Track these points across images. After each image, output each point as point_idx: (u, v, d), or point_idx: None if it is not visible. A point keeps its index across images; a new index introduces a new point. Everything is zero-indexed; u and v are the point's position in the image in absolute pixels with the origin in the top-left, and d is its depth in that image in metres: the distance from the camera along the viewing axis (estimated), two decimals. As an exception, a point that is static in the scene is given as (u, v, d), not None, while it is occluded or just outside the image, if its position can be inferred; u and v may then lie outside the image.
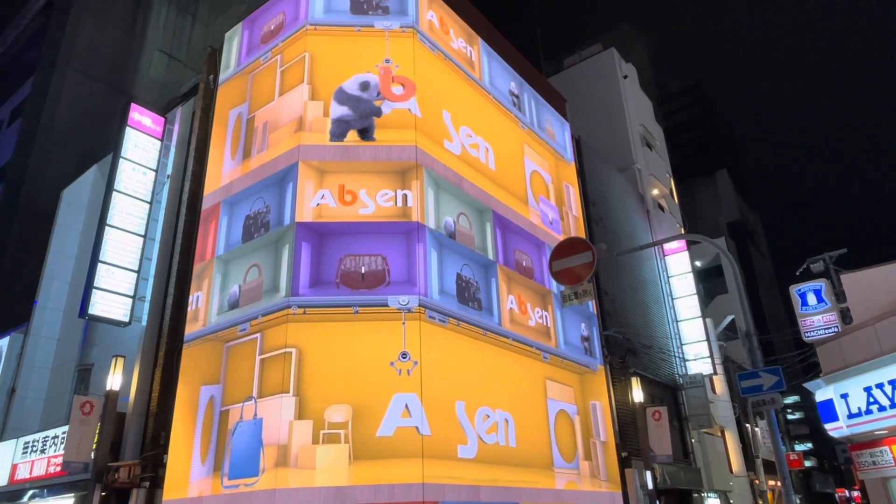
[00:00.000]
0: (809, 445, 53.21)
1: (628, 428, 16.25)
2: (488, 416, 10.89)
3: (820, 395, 13.69)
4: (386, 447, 9.17)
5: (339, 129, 11.37)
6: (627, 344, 17.66)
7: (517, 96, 16.08)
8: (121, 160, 13.23)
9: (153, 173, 13.71)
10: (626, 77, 27.60)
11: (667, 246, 22.89)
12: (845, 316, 17.82)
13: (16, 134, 26.87)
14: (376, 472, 9.03)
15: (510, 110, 15.41)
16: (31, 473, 12.71)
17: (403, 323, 9.96)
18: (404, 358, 9.73)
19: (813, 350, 19.77)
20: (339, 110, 11.51)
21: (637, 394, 16.17)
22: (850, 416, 12.79)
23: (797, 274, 22.68)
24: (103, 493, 10.70)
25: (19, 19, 31.86)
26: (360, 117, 11.50)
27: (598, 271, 9.77)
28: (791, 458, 32.20)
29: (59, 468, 11.73)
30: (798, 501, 34.44)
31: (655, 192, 25.88)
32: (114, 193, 12.89)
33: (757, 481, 25.10)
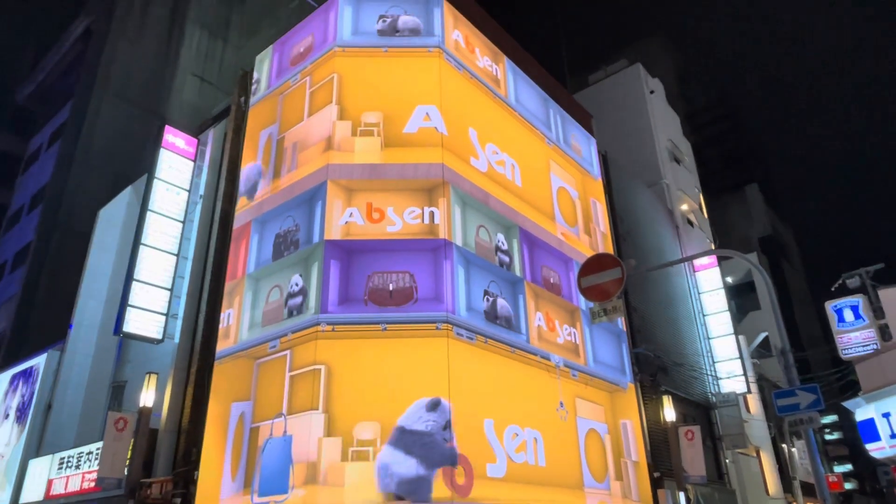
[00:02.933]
0: (849, 467, 51.50)
1: (660, 448, 15.93)
2: (517, 435, 10.79)
3: (860, 415, 13.29)
4: (414, 465, 9.12)
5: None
6: (658, 362, 17.37)
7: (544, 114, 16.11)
8: (155, 180, 13.57)
9: (186, 193, 14.03)
10: (652, 92, 27.47)
11: (697, 262, 22.56)
12: (884, 332, 17.30)
13: (55, 156, 27.77)
14: (405, 491, 8.98)
15: (536, 127, 15.44)
16: (66, 489, 12.94)
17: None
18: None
19: (851, 368, 19.20)
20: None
21: (669, 413, 15.86)
22: (893, 435, 12.37)
23: (832, 290, 22.09)
24: (136, 509, 10.83)
25: (59, 46, 33.06)
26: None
27: (626, 287, 9.67)
28: (830, 479, 31.17)
29: (93, 484, 11.94)
30: (839, 525, 33.27)
31: (684, 207, 25.59)
32: (148, 213, 13.20)
33: (795, 504, 24.35)
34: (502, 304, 11.74)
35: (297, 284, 10.74)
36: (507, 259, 12.42)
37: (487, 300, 11.40)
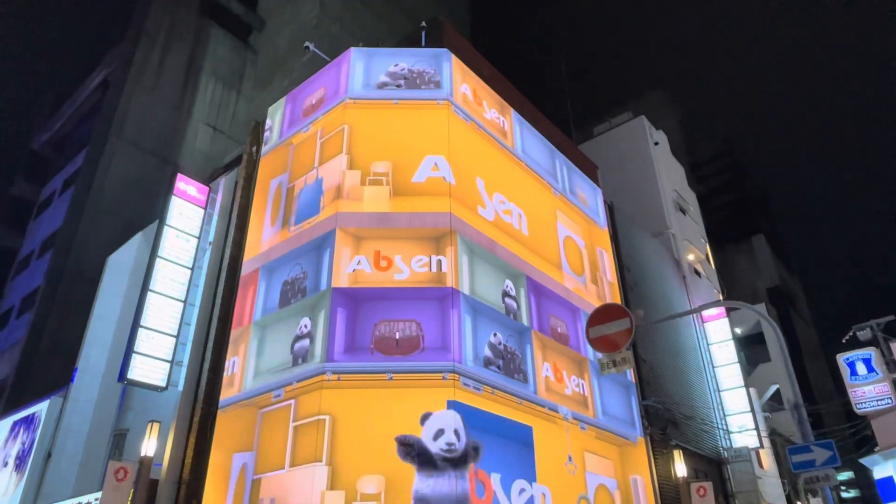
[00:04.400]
0: (868, 526, 49.68)
1: (671, 504, 15.47)
2: (524, 490, 10.51)
3: (878, 472, 12.92)
4: (419, 521, 8.88)
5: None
6: (668, 414, 17.05)
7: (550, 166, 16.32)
8: (165, 227, 13.70)
9: (196, 240, 14.14)
10: (657, 143, 27.82)
11: (705, 313, 22.38)
12: (899, 386, 16.99)
13: (67, 202, 28.18)
14: (409, 548, 8.72)
15: (542, 177, 15.61)
16: (61, 541, 12.62)
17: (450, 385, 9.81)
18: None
19: (865, 422, 18.78)
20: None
21: (680, 468, 15.48)
22: (913, 495, 12.01)
23: (843, 342, 21.84)
24: (132, 564, 10.53)
25: (77, 95, 33.98)
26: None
27: (635, 338, 9.58)
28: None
29: (90, 536, 11.64)
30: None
31: (691, 257, 25.57)
32: (157, 259, 13.28)
33: (813, 565, 23.43)
34: (510, 347, 11.63)
35: (305, 327, 10.70)
36: (514, 305, 12.37)
37: (497, 342, 11.30)
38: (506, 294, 12.28)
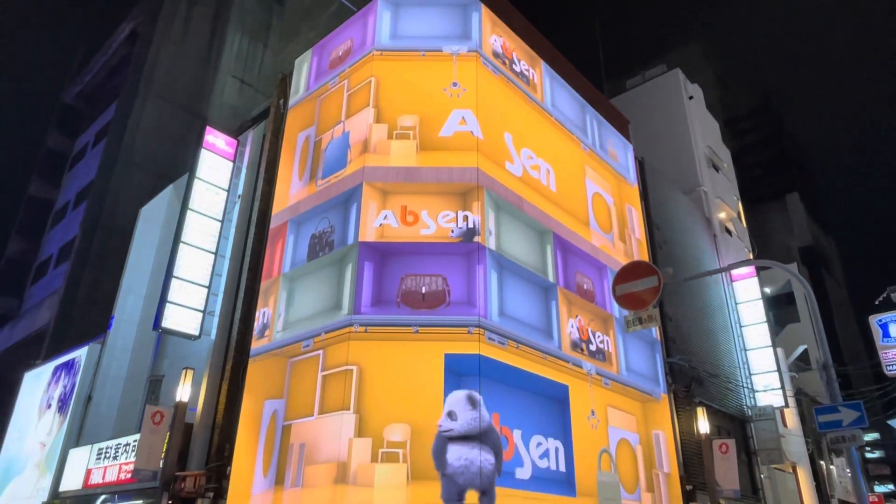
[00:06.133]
0: (891, 487, 49.66)
1: (693, 460, 15.62)
2: (540, 444, 10.69)
3: (904, 434, 12.80)
4: (444, 469, 9.12)
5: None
6: (692, 372, 17.05)
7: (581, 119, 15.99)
8: (195, 180, 13.86)
9: (225, 193, 14.30)
10: (691, 98, 27.01)
11: (735, 272, 22.08)
12: (932, 349, 16.69)
13: (100, 154, 28.62)
14: (434, 493, 8.99)
15: (572, 132, 15.33)
16: (103, 479, 13.28)
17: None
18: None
19: (894, 385, 18.55)
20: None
21: (703, 425, 15.54)
22: (940, 457, 11.89)
23: (876, 303, 21.40)
24: (170, 502, 11.05)
25: (106, 48, 34.06)
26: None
27: (662, 296, 9.51)
28: (872, 499, 30.14)
29: (129, 475, 12.23)
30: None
31: (722, 215, 25.08)
32: (188, 212, 13.49)
33: (833, 523, 23.61)
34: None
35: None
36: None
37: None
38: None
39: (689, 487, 14.62)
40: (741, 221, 27.83)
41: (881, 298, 21.07)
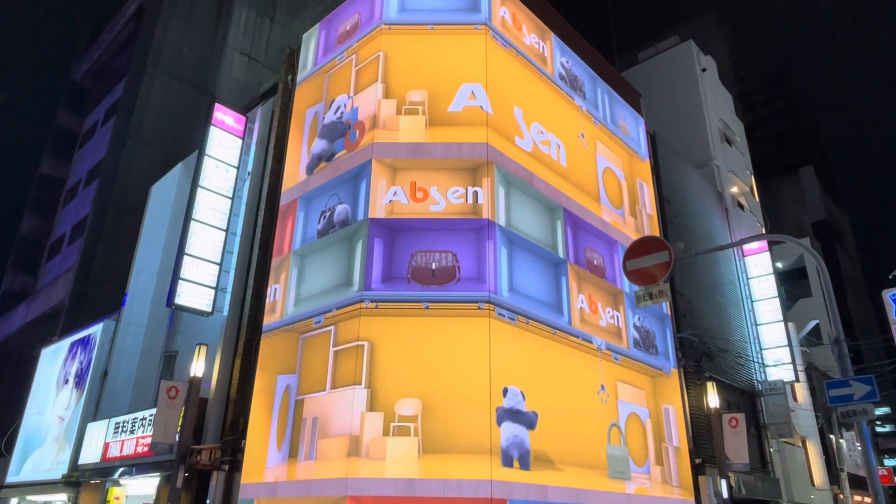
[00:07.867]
0: (901, 460, 49.77)
1: (703, 434, 15.70)
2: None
3: (916, 408, 12.79)
4: (454, 442, 9.24)
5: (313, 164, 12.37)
6: (703, 347, 17.05)
7: (580, 86, 15.79)
8: (205, 157, 13.88)
9: (235, 170, 14.31)
10: (704, 70, 26.59)
11: (746, 246, 21.94)
12: (945, 324, 16.59)
13: (110, 132, 28.65)
14: (445, 467, 9.11)
15: (582, 106, 15.15)
16: (121, 452, 13.57)
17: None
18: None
19: (907, 359, 18.51)
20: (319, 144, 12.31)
21: (712, 399, 15.60)
22: (951, 431, 11.89)
23: (890, 278, 21.25)
24: (186, 474, 11.29)
25: (113, 24, 33.85)
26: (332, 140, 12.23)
27: (673, 271, 9.47)
28: (881, 473, 30.26)
29: (146, 448, 12.48)
30: (887, 520, 32.29)
31: (735, 189, 24.85)
32: (198, 189, 13.54)
33: (841, 496, 23.74)
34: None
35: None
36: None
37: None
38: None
39: (698, 461, 14.73)
40: (754, 196, 27.56)
41: (895, 273, 20.91)
